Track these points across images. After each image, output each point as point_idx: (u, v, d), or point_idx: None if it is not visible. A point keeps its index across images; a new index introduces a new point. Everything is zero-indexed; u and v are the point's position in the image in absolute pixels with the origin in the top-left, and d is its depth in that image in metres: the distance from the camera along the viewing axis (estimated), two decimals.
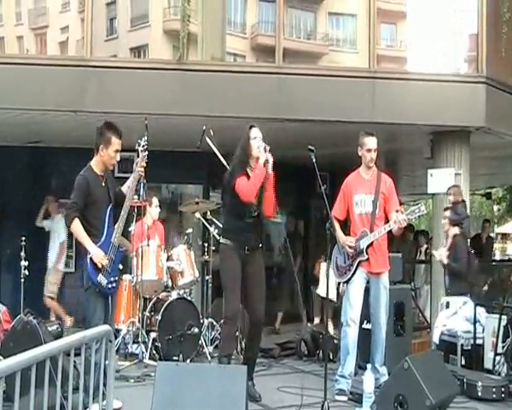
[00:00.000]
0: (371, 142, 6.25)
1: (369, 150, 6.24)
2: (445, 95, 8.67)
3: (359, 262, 6.16)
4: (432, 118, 8.62)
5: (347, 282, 6.24)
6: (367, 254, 6.11)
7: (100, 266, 5.14)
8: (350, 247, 6.13)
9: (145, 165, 5.42)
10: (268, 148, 5.62)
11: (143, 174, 5.50)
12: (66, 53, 9.24)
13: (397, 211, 6.07)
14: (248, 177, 5.68)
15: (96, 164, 5.33)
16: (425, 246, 12.18)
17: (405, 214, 6.00)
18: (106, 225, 5.25)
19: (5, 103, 8.14)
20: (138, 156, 5.46)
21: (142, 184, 6.62)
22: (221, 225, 6.51)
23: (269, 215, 5.99)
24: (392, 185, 6.34)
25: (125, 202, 5.33)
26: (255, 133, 5.76)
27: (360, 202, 6.20)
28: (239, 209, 5.75)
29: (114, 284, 5.29)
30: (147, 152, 5.44)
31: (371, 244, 6.10)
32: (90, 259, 5.15)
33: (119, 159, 5.38)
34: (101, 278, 5.17)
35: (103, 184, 5.31)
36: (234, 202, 5.76)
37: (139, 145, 5.44)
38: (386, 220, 6.17)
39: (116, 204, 5.39)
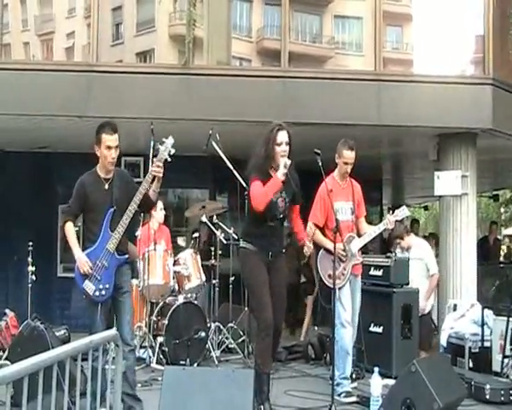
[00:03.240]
0: (350, 157, 6.32)
1: (346, 163, 6.33)
2: (451, 97, 8.65)
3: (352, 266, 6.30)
4: (438, 120, 8.60)
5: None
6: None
7: (82, 271, 4.99)
8: (345, 252, 6.19)
9: (161, 165, 5.06)
10: (289, 163, 5.37)
11: (159, 175, 5.10)
12: (73, 59, 9.27)
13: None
14: (264, 182, 5.39)
15: (99, 167, 5.21)
16: (434, 248, 12.14)
17: (393, 216, 6.26)
18: (102, 230, 5.07)
19: (12, 109, 8.16)
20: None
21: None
22: (242, 228, 6.15)
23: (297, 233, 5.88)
24: (360, 191, 6.54)
25: (129, 206, 5.06)
26: (282, 138, 5.46)
27: (341, 209, 6.29)
28: (263, 211, 5.40)
29: (104, 292, 5.02)
30: (171, 151, 5.08)
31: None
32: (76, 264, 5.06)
33: (114, 156, 5.09)
34: (87, 285, 5.00)
35: (106, 187, 5.14)
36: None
37: (161, 144, 5.10)
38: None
39: (141, 209, 5.30)
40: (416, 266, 7.84)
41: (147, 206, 5.33)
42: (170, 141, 5.11)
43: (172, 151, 5.08)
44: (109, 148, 5.08)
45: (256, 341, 5.64)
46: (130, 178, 5.42)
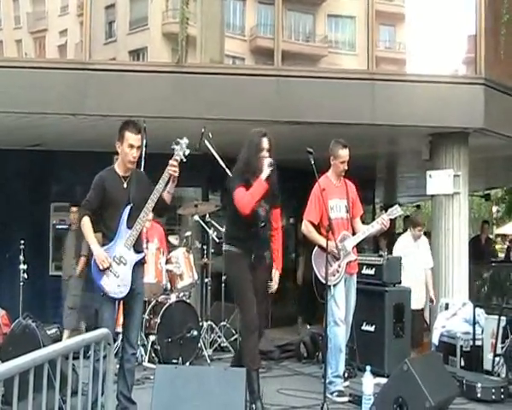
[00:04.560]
0: (346, 154, 6.40)
1: (343, 162, 6.40)
2: (443, 96, 8.67)
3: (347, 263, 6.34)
4: (430, 119, 8.63)
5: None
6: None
7: (101, 267, 4.96)
8: (338, 250, 6.19)
9: (176, 164, 5.03)
10: (273, 162, 5.39)
11: (175, 174, 5.05)
12: (65, 56, 9.22)
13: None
14: (247, 188, 5.39)
15: (118, 164, 5.18)
16: None
17: (386, 214, 6.36)
18: (120, 227, 5.04)
19: (4, 107, 8.14)
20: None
21: None
22: (224, 231, 6.34)
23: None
24: (355, 191, 6.60)
25: (146, 203, 5.03)
26: (265, 144, 5.47)
27: (335, 206, 6.35)
28: (245, 219, 5.40)
29: (122, 289, 5.00)
30: (186, 151, 5.09)
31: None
32: (94, 260, 5.02)
33: (135, 155, 5.10)
34: (106, 281, 4.98)
35: (125, 186, 5.12)
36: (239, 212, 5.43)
37: (177, 144, 5.08)
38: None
39: (156, 211, 5.28)
40: (426, 256, 8.15)
41: (161, 207, 5.23)
42: (185, 141, 5.12)
43: (187, 151, 5.09)
44: (132, 146, 5.08)
45: (243, 340, 5.69)
46: (148, 179, 5.37)
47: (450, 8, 9.16)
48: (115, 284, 5.00)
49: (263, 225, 5.53)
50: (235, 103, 8.41)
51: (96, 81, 8.39)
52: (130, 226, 5.06)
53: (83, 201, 5.20)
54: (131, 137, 5.09)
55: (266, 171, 5.36)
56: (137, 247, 5.17)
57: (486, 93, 8.75)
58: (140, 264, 5.24)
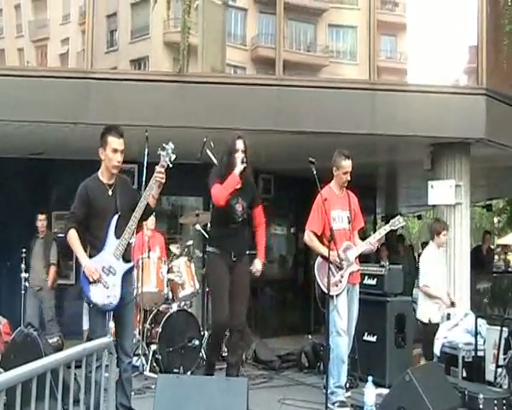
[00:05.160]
0: (348, 165, 6.44)
1: (346, 173, 6.44)
2: (445, 106, 8.67)
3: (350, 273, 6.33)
4: (432, 129, 8.63)
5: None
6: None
7: (91, 279, 4.90)
8: (341, 260, 6.20)
9: (163, 171, 5.03)
10: (245, 160, 5.95)
11: (162, 181, 5.06)
12: (67, 65, 9.24)
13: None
14: (222, 182, 5.93)
15: (101, 172, 5.13)
16: None
17: (388, 225, 6.43)
18: (108, 237, 4.99)
19: (6, 115, 8.14)
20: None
21: None
22: (208, 235, 6.65)
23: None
24: (357, 203, 6.64)
25: (134, 211, 5.00)
26: (239, 145, 6.01)
27: (338, 217, 6.38)
28: (224, 216, 6.05)
29: (112, 300, 4.95)
30: (172, 156, 5.05)
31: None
32: (83, 272, 4.95)
33: (120, 159, 5.07)
34: (95, 293, 4.92)
35: (110, 193, 5.08)
36: (218, 209, 6.03)
37: (163, 149, 5.06)
38: None
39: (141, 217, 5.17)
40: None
41: (146, 213, 5.18)
42: (170, 146, 5.08)
43: (173, 157, 5.06)
44: (115, 151, 5.04)
45: (211, 335, 6.46)
46: (130, 184, 5.38)
47: (451, 18, 9.17)
48: (105, 295, 4.94)
49: (240, 220, 6.06)
50: (237, 113, 8.41)
51: (98, 90, 8.40)
52: (117, 236, 5.00)
53: (67, 213, 5.16)
54: (114, 142, 5.06)
55: (239, 166, 5.93)
56: (126, 256, 5.10)
57: (488, 103, 8.75)
58: (129, 273, 5.19)
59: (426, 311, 7.70)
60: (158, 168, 5.03)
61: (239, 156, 5.97)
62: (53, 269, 8.92)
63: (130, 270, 5.17)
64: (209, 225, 6.57)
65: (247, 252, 6.27)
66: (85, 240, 5.11)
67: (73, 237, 5.01)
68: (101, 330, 4.89)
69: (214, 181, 5.96)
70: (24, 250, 8.49)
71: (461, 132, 8.78)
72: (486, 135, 8.71)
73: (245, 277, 6.18)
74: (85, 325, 8.71)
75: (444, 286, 8.00)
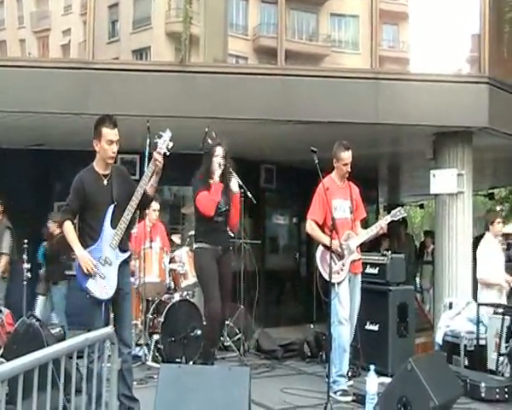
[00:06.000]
0: (348, 156, 6.46)
1: (345, 164, 6.46)
2: (447, 95, 8.65)
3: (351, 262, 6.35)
4: (434, 119, 8.61)
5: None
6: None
7: (85, 270, 4.86)
8: (342, 248, 6.20)
9: (160, 157, 4.96)
10: (223, 166, 6.35)
11: (160, 165, 4.98)
12: (69, 56, 9.23)
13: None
14: (207, 189, 6.30)
15: (96, 162, 5.08)
16: (431, 247, 12.11)
17: (389, 216, 6.42)
18: (104, 227, 4.95)
19: (8, 106, 8.15)
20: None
21: None
22: (193, 232, 6.87)
23: (231, 227, 6.65)
24: (359, 194, 6.65)
25: (131, 201, 4.96)
26: (218, 152, 6.41)
27: (339, 207, 6.40)
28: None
29: (108, 290, 4.92)
30: (170, 144, 5.02)
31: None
32: (78, 263, 4.92)
33: (115, 150, 5.00)
34: (91, 284, 4.89)
35: (105, 183, 5.03)
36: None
37: (159, 137, 5.04)
38: None
39: (138, 207, 5.11)
40: None
41: (144, 202, 5.16)
42: (167, 134, 5.05)
43: (170, 144, 5.03)
44: (111, 142, 4.98)
45: (207, 325, 6.62)
46: (128, 174, 5.33)
47: (453, 6, 9.14)
48: (102, 286, 4.92)
49: (224, 210, 6.42)
50: (239, 103, 8.40)
51: (100, 80, 8.39)
52: (114, 226, 4.97)
53: (63, 205, 5.15)
54: (109, 133, 4.99)
55: (218, 172, 6.34)
56: (123, 246, 5.07)
57: (490, 92, 8.73)
58: (126, 263, 5.16)
59: (489, 301, 7.61)
60: (155, 155, 5.00)
61: (217, 161, 6.35)
62: (4, 258, 8.72)
63: (126, 260, 5.14)
64: (194, 223, 6.83)
65: (231, 247, 6.69)
66: (82, 230, 5.09)
67: (69, 228, 4.99)
68: (99, 322, 4.84)
69: (199, 189, 6.34)
70: (26, 241, 8.44)
71: (463, 121, 8.76)
72: (489, 124, 8.69)
73: (229, 270, 6.59)
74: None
75: (503, 273, 7.98)
